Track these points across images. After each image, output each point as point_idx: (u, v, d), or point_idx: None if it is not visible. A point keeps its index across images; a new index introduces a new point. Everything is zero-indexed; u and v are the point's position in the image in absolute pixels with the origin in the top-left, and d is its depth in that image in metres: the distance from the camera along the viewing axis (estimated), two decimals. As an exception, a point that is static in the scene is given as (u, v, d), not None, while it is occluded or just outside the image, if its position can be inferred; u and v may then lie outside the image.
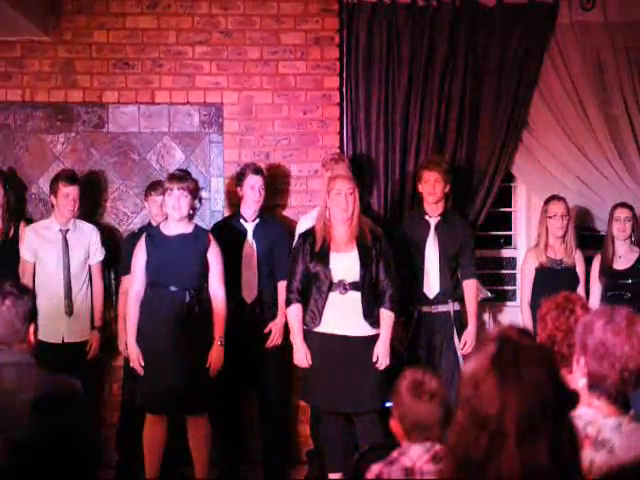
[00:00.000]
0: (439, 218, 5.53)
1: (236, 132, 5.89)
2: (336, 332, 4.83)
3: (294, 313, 4.91)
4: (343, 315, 4.83)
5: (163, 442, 5.05)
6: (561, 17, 6.03)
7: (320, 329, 4.86)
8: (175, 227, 4.98)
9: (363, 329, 4.86)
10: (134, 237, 5.42)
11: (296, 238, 5.22)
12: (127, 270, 5.25)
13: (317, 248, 4.86)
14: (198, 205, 5.14)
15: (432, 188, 5.48)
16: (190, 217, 5.05)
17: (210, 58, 5.87)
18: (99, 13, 5.82)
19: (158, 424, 5.03)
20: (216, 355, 4.97)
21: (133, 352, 4.95)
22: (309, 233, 4.97)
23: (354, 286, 4.84)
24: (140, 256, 4.99)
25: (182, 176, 5.02)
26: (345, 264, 4.85)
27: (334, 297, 4.84)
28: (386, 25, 5.94)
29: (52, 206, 5.49)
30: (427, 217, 5.55)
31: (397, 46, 5.96)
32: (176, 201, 4.89)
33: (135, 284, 5.01)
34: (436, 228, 5.52)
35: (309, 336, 4.94)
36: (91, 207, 5.77)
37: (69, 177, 5.43)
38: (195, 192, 5.02)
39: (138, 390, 5.03)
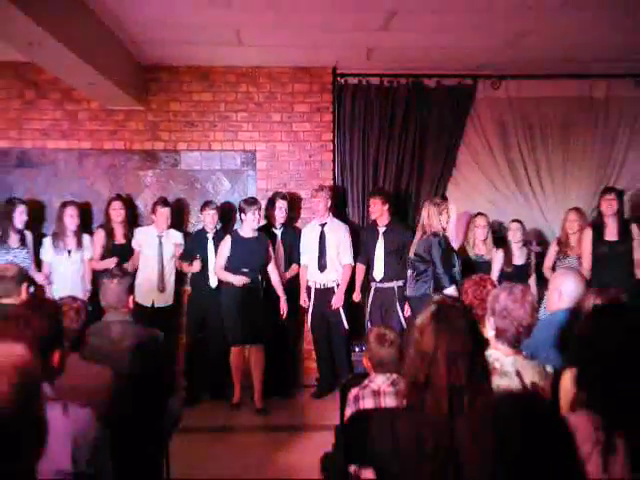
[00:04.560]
0: (385, 227, 5.49)
1: (264, 169, 5.89)
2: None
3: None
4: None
5: (244, 366, 5.17)
6: (478, 94, 6.05)
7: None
8: (248, 232, 5.14)
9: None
10: (192, 237, 5.52)
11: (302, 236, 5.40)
12: (185, 257, 5.36)
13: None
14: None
15: (372, 207, 5.46)
16: None
17: (247, 120, 5.86)
18: (174, 91, 5.82)
19: (240, 354, 5.18)
20: (283, 304, 5.23)
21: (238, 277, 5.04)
22: None
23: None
24: (225, 250, 5.13)
25: (255, 201, 5.15)
26: None
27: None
28: (363, 99, 5.94)
29: (153, 221, 5.42)
30: (377, 227, 5.52)
31: (370, 113, 5.95)
32: (255, 217, 5.06)
33: (220, 264, 5.13)
34: (383, 234, 5.48)
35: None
36: (176, 220, 5.68)
37: (164, 202, 5.41)
38: (261, 211, 5.21)
39: (226, 331, 5.11)
